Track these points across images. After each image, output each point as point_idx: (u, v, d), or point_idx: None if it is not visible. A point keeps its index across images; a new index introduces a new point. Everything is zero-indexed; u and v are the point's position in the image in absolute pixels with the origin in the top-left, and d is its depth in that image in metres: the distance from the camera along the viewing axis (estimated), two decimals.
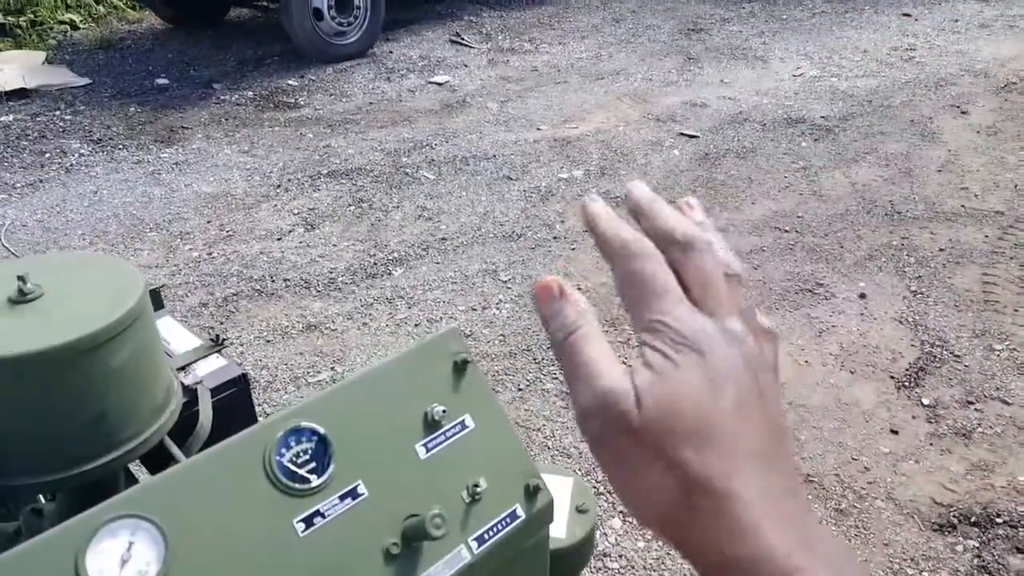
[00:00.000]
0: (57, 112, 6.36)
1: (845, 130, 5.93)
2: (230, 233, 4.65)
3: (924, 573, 2.48)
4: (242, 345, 3.71)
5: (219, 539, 0.75)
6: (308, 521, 0.79)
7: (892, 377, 3.36)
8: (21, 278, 0.90)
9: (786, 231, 4.60)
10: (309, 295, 4.11)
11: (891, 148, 5.60)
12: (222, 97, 6.73)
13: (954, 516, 2.65)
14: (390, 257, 4.43)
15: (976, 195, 4.92)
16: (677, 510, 0.40)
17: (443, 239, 4.59)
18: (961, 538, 2.60)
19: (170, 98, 6.73)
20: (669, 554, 2.53)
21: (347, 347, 3.72)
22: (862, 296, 3.94)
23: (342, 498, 0.82)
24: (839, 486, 2.77)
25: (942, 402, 3.21)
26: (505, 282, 4.15)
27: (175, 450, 1.11)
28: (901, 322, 3.74)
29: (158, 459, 1.12)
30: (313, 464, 0.82)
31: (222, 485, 0.77)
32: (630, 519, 2.67)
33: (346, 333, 3.82)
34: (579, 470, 2.93)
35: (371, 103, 6.66)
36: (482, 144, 5.80)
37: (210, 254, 4.43)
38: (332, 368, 3.58)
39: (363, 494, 0.84)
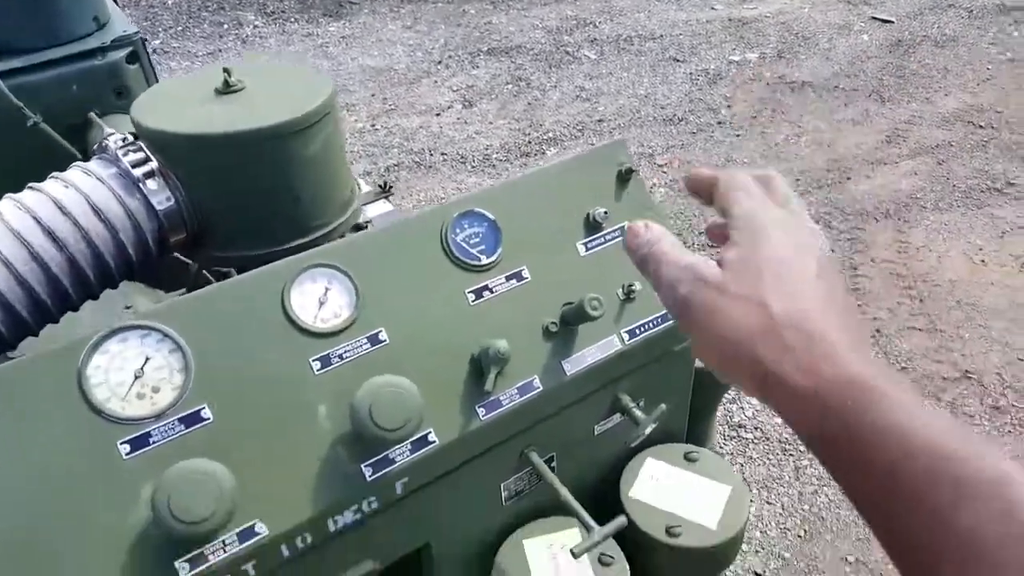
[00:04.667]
0: None
1: None
2: (392, 107, 4.81)
3: None
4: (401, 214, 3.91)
5: (401, 296, 0.82)
6: (478, 293, 0.86)
7: None
8: (226, 71, 1.00)
9: (980, 127, 4.13)
10: (464, 170, 4.22)
11: None
12: None
13: None
14: (545, 137, 4.43)
15: None
16: (764, 345, 0.44)
17: (600, 120, 4.51)
18: None
19: None
20: None
21: None
22: None
23: (508, 278, 0.88)
24: (999, 384, 2.60)
25: None
26: (661, 166, 4.05)
27: None
28: None
29: None
30: (483, 246, 0.88)
31: (406, 251, 0.84)
32: None
33: None
34: None
35: None
36: (649, 24, 5.55)
37: (373, 126, 4.62)
38: None
39: (527, 278, 0.88)
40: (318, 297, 0.80)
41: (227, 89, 0.98)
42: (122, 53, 1.36)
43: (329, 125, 1.01)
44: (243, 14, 6.12)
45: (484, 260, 0.87)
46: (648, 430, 0.90)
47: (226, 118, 0.94)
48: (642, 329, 0.91)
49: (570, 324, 0.87)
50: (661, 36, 5.40)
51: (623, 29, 5.52)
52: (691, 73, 4.90)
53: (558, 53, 5.29)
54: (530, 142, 4.38)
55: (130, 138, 0.92)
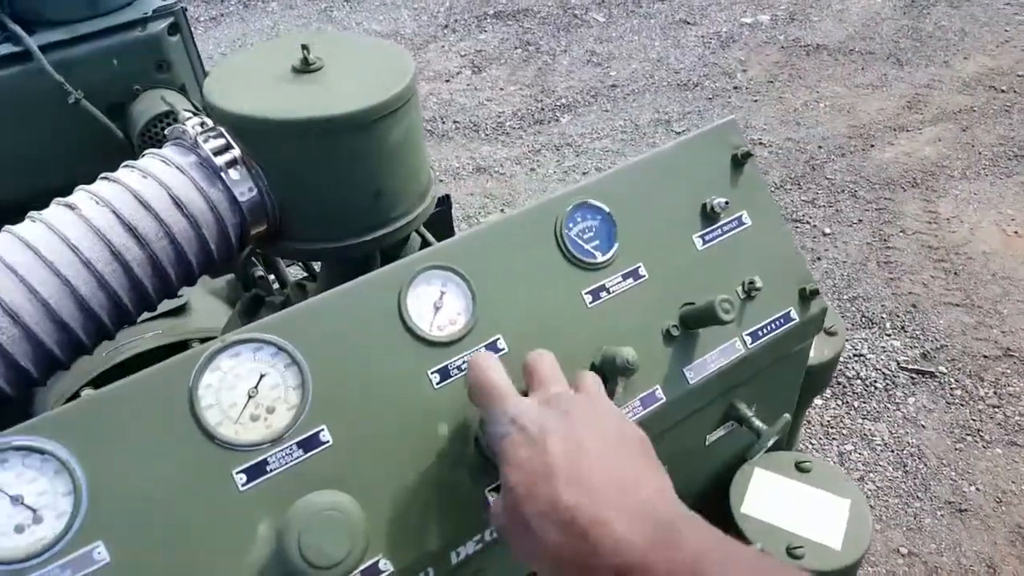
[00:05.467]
0: None
1: None
2: None
3: None
4: None
5: (517, 298, 0.76)
6: (595, 294, 0.79)
7: None
8: (305, 47, 0.91)
9: (1003, 91, 4.05)
10: (478, 138, 4.11)
11: None
12: None
13: None
14: (557, 103, 4.32)
15: None
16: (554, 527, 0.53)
17: (613, 86, 4.40)
18: None
19: None
20: (848, 414, 2.46)
21: (516, 191, 3.73)
22: None
23: (624, 277, 0.81)
24: None
25: None
26: (679, 133, 3.96)
27: (429, 236, 1.14)
28: None
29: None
30: (597, 241, 0.81)
31: (519, 249, 0.77)
32: None
33: (514, 177, 3.82)
34: None
35: None
36: None
37: None
38: (502, 210, 3.62)
39: (644, 276, 0.82)
40: (433, 302, 0.73)
41: (306, 68, 0.90)
42: (163, 24, 1.26)
43: (413, 107, 0.93)
44: None
45: (600, 257, 0.80)
46: (771, 442, 0.84)
47: (309, 101, 0.86)
48: (765, 331, 0.85)
49: (690, 327, 0.81)
50: None
51: None
52: (703, 36, 4.79)
53: (566, 16, 5.14)
54: (543, 109, 4.27)
55: (209, 122, 0.84)
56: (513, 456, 0.57)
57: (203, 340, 1.24)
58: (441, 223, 1.66)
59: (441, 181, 3.80)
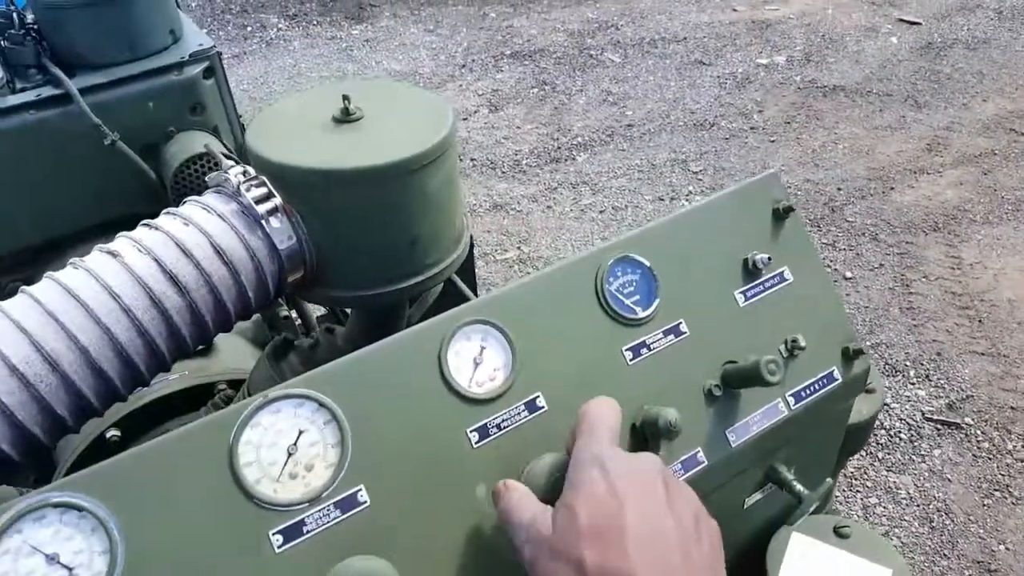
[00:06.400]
0: None
1: None
2: None
3: None
4: None
5: (557, 354, 0.75)
6: (636, 351, 0.78)
7: None
8: (346, 98, 0.91)
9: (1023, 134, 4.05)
10: (495, 175, 4.14)
11: None
12: None
13: None
14: (574, 142, 4.34)
15: None
16: None
17: (629, 125, 4.43)
18: None
19: None
20: (872, 465, 2.41)
21: (532, 228, 3.73)
22: None
23: (666, 333, 0.79)
24: None
25: None
26: (696, 173, 3.97)
27: (461, 285, 1.13)
28: None
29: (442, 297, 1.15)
30: (638, 296, 0.80)
31: (560, 303, 0.76)
32: None
33: (531, 215, 3.83)
34: None
35: None
36: (672, 26, 5.47)
37: None
38: (519, 247, 3.62)
39: (685, 332, 0.80)
40: (473, 357, 0.72)
41: (346, 118, 0.90)
42: (199, 68, 1.27)
43: (451, 156, 0.93)
44: (266, 17, 6.03)
45: (640, 313, 0.79)
46: (813, 507, 0.81)
47: (350, 151, 0.86)
48: (808, 392, 0.83)
49: (733, 387, 0.79)
50: (685, 39, 5.32)
51: (646, 32, 5.43)
52: (718, 76, 4.82)
53: (581, 56, 5.20)
54: (559, 147, 4.30)
55: (251, 171, 0.84)
56: (589, 492, 0.55)
57: (229, 382, 1.23)
58: (463, 267, 1.66)
59: None
